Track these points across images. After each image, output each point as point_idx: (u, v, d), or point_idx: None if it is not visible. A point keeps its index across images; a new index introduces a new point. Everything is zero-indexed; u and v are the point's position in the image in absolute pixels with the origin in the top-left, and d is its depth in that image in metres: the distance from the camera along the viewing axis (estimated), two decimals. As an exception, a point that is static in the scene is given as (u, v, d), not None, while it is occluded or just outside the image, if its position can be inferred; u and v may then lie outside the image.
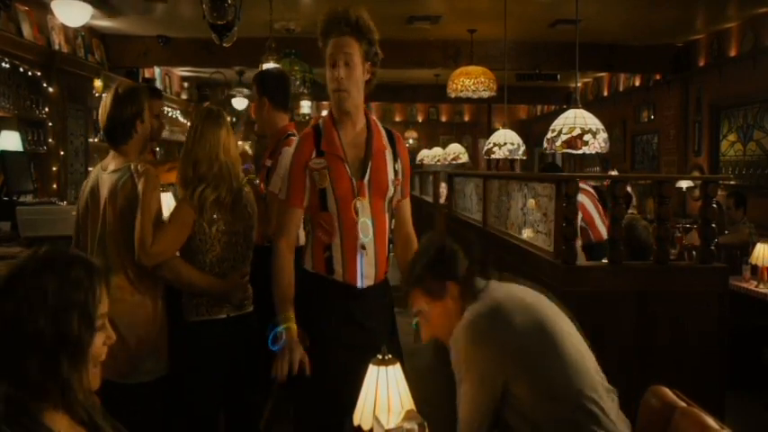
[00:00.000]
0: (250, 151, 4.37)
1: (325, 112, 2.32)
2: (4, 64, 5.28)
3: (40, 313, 1.19)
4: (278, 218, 2.30)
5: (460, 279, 1.93)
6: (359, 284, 2.16)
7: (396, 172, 2.24)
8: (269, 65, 5.85)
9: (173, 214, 2.42)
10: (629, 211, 5.87)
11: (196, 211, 2.37)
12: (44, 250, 1.28)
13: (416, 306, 1.99)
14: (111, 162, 2.49)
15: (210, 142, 2.42)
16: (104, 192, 2.42)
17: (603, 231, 4.56)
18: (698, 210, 3.41)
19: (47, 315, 1.20)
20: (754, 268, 4.53)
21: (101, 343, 1.28)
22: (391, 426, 1.59)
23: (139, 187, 2.34)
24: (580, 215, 4.49)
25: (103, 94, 6.90)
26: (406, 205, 2.38)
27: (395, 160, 2.24)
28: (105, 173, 2.46)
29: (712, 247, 3.27)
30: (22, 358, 1.19)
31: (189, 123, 2.52)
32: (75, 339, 1.22)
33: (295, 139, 3.02)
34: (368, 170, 2.16)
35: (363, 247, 2.14)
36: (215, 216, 2.40)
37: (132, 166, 2.40)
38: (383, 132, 2.26)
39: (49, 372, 1.19)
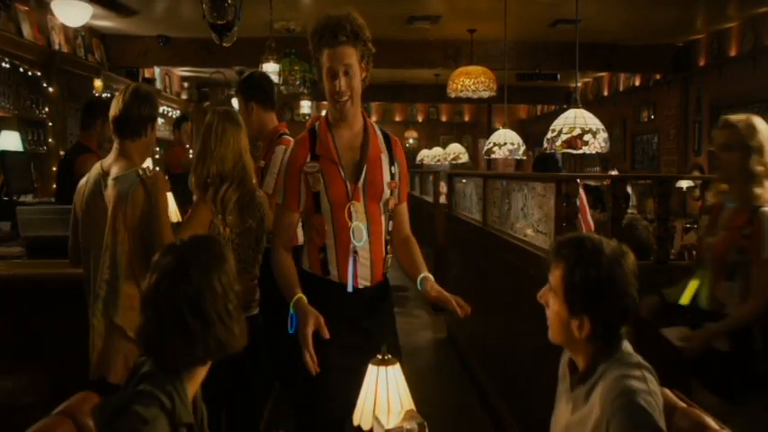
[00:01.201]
0: None
1: (323, 112, 2.33)
2: (4, 64, 5.28)
3: (218, 301, 1.44)
4: (275, 219, 2.31)
5: (598, 320, 1.55)
6: (355, 286, 2.17)
7: (392, 175, 2.24)
8: (269, 65, 5.86)
9: (191, 217, 2.43)
10: (629, 210, 5.88)
11: (213, 213, 2.38)
12: (192, 246, 1.51)
13: (552, 281, 1.63)
14: (114, 165, 2.45)
15: (233, 141, 2.44)
16: (110, 200, 2.39)
17: (592, 224, 4.59)
18: (698, 209, 3.41)
19: (221, 301, 1.45)
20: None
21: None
22: (391, 426, 1.59)
23: (153, 195, 2.33)
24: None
25: (104, 94, 6.91)
26: (404, 209, 2.37)
27: (391, 163, 2.24)
28: (109, 178, 2.42)
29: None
30: (206, 334, 1.43)
31: (202, 125, 2.52)
32: (233, 311, 1.49)
33: (289, 138, 3.02)
34: (363, 173, 2.17)
35: (356, 252, 2.15)
36: (230, 217, 2.41)
37: (141, 173, 2.37)
38: (380, 135, 2.27)
39: (219, 339, 1.46)
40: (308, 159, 2.16)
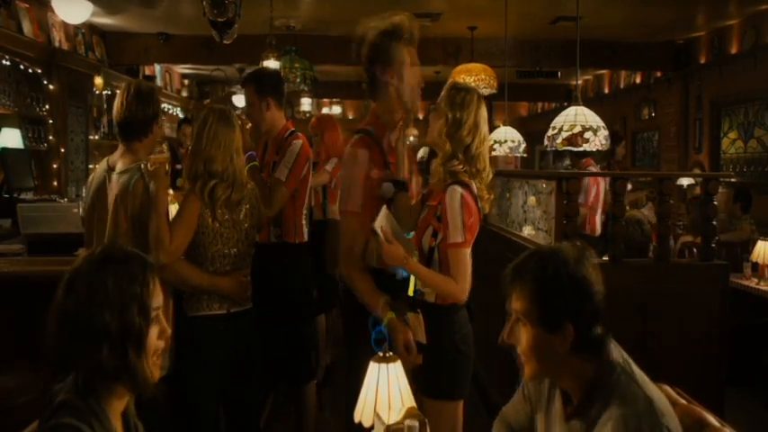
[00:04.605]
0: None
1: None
2: (4, 61, 5.27)
3: (105, 308, 1.30)
4: (348, 230, 2.24)
5: (581, 323, 1.43)
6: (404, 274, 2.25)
7: None
8: (269, 62, 5.85)
9: (181, 208, 2.44)
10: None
11: (203, 204, 2.38)
12: (100, 249, 1.38)
13: (519, 307, 1.50)
14: (120, 161, 2.50)
15: (225, 142, 2.44)
16: (114, 193, 2.43)
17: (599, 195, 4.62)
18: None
19: (111, 309, 1.30)
20: (755, 266, 4.54)
21: (155, 335, 1.36)
22: (392, 423, 1.59)
23: (151, 187, 2.35)
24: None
25: (105, 92, 6.87)
26: None
27: None
28: (114, 173, 2.47)
29: (713, 245, 3.28)
30: (92, 350, 1.29)
31: (198, 121, 2.52)
32: (137, 330, 1.32)
33: (301, 135, 3.04)
34: (413, 177, 2.33)
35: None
36: (219, 211, 2.41)
37: (142, 166, 2.40)
38: None
39: (119, 360, 1.30)
40: (383, 168, 2.22)
